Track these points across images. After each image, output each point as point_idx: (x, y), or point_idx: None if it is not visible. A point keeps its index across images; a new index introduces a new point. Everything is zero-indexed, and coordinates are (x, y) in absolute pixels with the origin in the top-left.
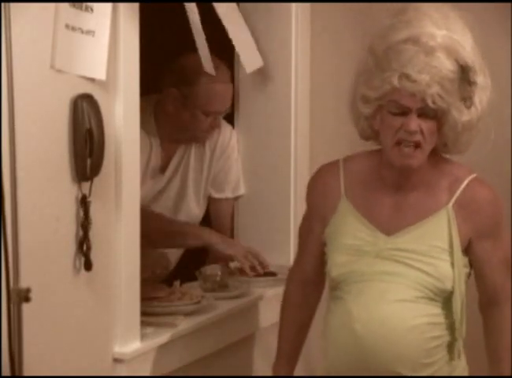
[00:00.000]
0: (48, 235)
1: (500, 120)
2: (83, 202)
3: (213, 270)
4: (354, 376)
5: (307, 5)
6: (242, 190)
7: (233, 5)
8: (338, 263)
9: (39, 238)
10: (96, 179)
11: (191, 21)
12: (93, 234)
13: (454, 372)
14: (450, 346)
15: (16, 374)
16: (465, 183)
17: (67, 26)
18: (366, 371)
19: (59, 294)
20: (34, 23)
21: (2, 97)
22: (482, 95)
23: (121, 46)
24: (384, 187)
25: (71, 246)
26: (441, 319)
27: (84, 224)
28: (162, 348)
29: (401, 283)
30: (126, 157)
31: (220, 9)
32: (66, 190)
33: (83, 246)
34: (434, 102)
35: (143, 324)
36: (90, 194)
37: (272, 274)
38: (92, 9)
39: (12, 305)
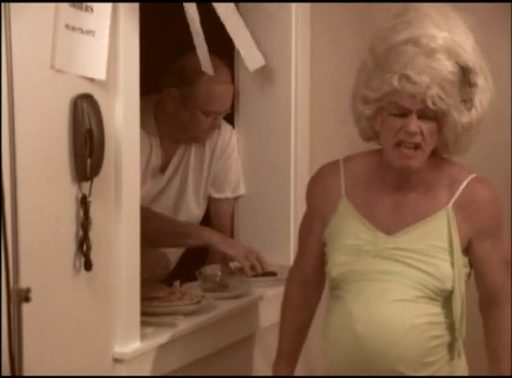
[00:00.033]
0: (48, 235)
1: (500, 120)
2: (83, 202)
3: (213, 270)
4: (354, 376)
5: (307, 5)
6: (242, 190)
7: (231, 5)
8: (338, 263)
9: (39, 238)
10: (96, 179)
11: (189, 21)
12: (93, 234)
13: (455, 372)
14: (451, 346)
15: (16, 374)
16: (465, 183)
17: (67, 26)
18: (366, 371)
19: (59, 294)
20: (34, 23)
21: (2, 97)
22: (482, 97)
23: (121, 46)
24: (384, 187)
25: (71, 246)
26: (441, 318)
27: (84, 224)
28: (162, 348)
29: (401, 282)
30: (126, 157)
31: (220, 9)
32: (66, 190)
33: (83, 246)
34: (434, 104)
35: (143, 324)
36: (90, 194)
37: (272, 274)
38: (92, 9)
39: (12, 305)
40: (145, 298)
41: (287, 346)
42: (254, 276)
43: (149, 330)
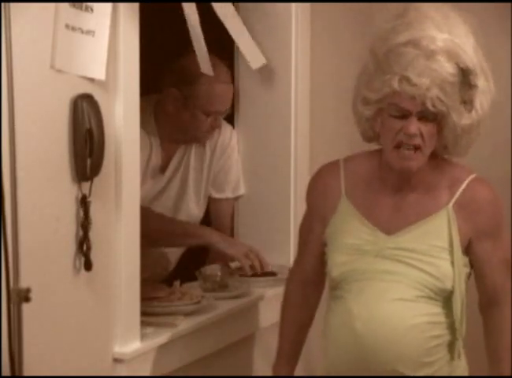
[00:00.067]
0: (48, 235)
1: (500, 120)
2: (83, 202)
3: (213, 270)
4: (354, 376)
5: (307, 5)
6: (242, 190)
7: (230, 5)
8: (338, 263)
9: (39, 238)
10: (96, 179)
11: (188, 21)
12: (93, 234)
13: (455, 371)
14: (451, 346)
15: (16, 374)
16: (466, 183)
17: (67, 26)
18: (366, 370)
19: (59, 294)
20: (34, 23)
21: (2, 97)
22: (483, 98)
23: (121, 46)
24: (384, 187)
25: (71, 246)
26: (441, 318)
27: (84, 224)
28: (162, 348)
29: (401, 282)
30: (126, 157)
31: (220, 9)
32: (66, 190)
33: (83, 246)
34: (434, 106)
35: (143, 324)
36: (90, 194)
37: (272, 274)
38: (92, 9)
39: (12, 305)
40: (145, 298)
41: (287, 346)
42: (254, 275)
43: (149, 330)
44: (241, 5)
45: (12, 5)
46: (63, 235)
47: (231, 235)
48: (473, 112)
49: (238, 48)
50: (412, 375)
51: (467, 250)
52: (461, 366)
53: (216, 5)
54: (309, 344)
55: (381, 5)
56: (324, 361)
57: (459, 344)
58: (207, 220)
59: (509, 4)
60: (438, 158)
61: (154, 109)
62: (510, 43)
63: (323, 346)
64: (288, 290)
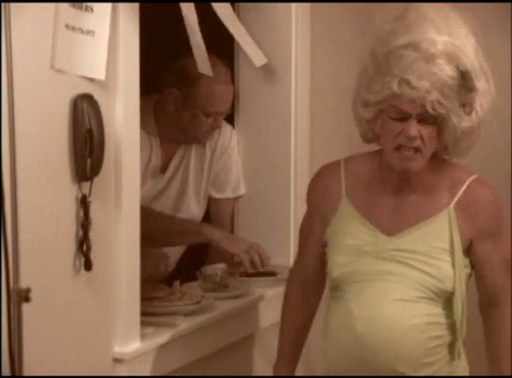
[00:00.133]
0: (48, 235)
1: (500, 120)
2: (83, 202)
3: (213, 270)
4: (354, 376)
5: (307, 5)
6: (242, 191)
7: (227, 5)
8: (339, 263)
9: (39, 238)
10: (96, 179)
11: (186, 21)
12: (93, 234)
13: (455, 372)
14: (451, 347)
15: (16, 374)
16: (466, 184)
17: (67, 26)
18: (366, 370)
19: (59, 294)
20: (34, 23)
21: (2, 97)
22: (483, 100)
23: (121, 46)
24: (384, 188)
25: (71, 246)
26: (442, 319)
27: (84, 224)
28: (162, 348)
29: (402, 282)
30: (126, 157)
31: (220, 9)
32: (66, 190)
33: (83, 246)
34: (434, 109)
35: (143, 324)
36: (90, 194)
37: (272, 274)
38: (92, 9)
39: (12, 305)
40: (145, 298)
41: (287, 346)
42: (254, 275)
43: (149, 330)
44: (241, 5)
45: (13, 5)
46: (63, 235)
47: None
48: (473, 114)
49: (238, 48)
50: (412, 375)
51: (467, 250)
52: (462, 366)
53: (216, 5)
54: (309, 345)
55: (381, 5)
56: (325, 361)
57: (459, 344)
58: (207, 220)
59: (509, 4)
60: (438, 159)
61: (154, 109)
62: (510, 43)
63: (323, 347)
64: (288, 291)
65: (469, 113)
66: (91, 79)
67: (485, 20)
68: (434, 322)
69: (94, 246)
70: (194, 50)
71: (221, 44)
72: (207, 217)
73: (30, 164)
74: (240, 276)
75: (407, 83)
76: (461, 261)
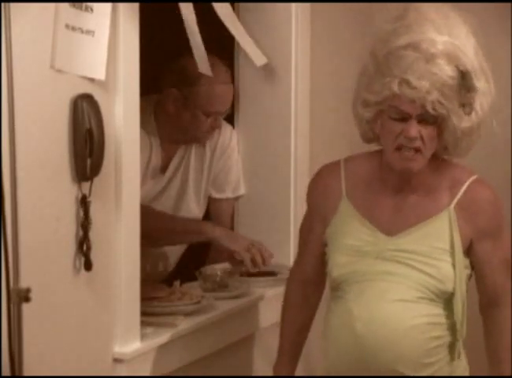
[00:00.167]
0: (48, 235)
1: (500, 120)
2: (83, 202)
3: (213, 270)
4: (354, 377)
5: (307, 5)
6: (242, 191)
7: (227, 5)
8: (339, 263)
9: (39, 238)
10: (96, 179)
11: (185, 21)
12: (93, 234)
13: (455, 372)
14: (451, 347)
15: (16, 374)
16: (466, 184)
17: (67, 26)
18: (366, 370)
19: (59, 294)
20: (34, 23)
21: (2, 97)
22: (483, 100)
23: (121, 46)
24: (384, 188)
25: (71, 246)
26: (442, 319)
27: (84, 224)
28: (162, 348)
29: (402, 283)
30: (126, 157)
31: (220, 9)
32: (66, 190)
33: (83, 246)
34: (434, 109)
35: (143, 324)
36: (90, 194)
37: (272, 274)
38: (92, 9)
39: (12, 305)
40: (145, 298)
41: (287, 346)
42: (254, 275)
43: (149, 330)
44: (241, 5)
45: (13, 5)
46: (63, 235)
47: None
48: (473, 114)
49: (238, 48)
50: (412, 375)
51: (468, 251)
52: (462, 366)
53: (216, 5)
54: (309, 345)
55: (381, 5)
56: (325, 361)
57: (459, 345)
58: (207, 220)
59: (509, 4)
60: (438, 160)
61: (154, 109)
62: (510, 43)
63: (323, 347)
64: (289, 290)
65: (469, 113)
66: (91, 79)
67: (485, 20)
68: (434, 322)
69: (94, 246)
70: (194, 51)
71: (221, 44)
72: (207, 217)
73: (30, 164)
74: (240, 275)
75: (407, 83)
76: (462, 261)
